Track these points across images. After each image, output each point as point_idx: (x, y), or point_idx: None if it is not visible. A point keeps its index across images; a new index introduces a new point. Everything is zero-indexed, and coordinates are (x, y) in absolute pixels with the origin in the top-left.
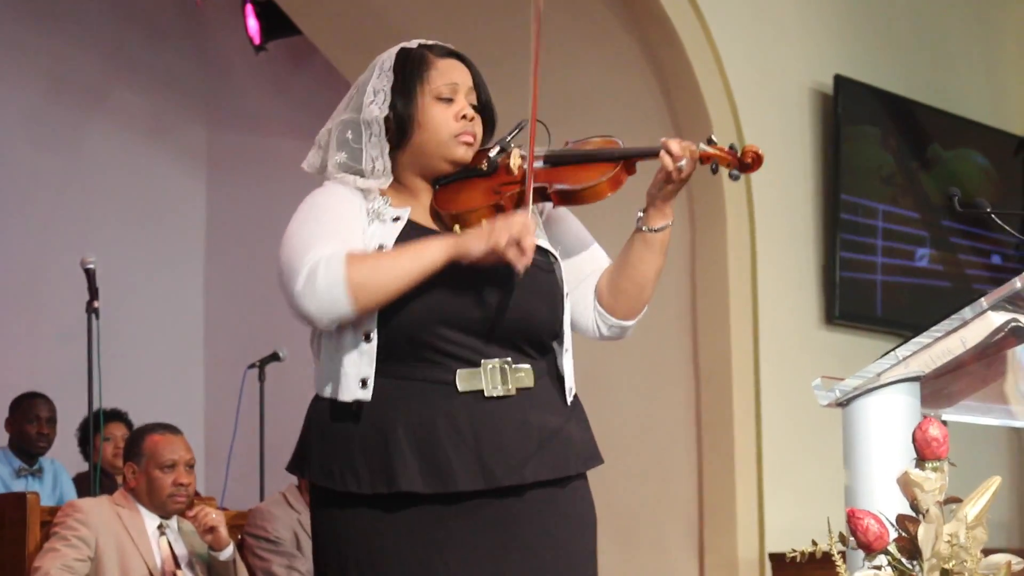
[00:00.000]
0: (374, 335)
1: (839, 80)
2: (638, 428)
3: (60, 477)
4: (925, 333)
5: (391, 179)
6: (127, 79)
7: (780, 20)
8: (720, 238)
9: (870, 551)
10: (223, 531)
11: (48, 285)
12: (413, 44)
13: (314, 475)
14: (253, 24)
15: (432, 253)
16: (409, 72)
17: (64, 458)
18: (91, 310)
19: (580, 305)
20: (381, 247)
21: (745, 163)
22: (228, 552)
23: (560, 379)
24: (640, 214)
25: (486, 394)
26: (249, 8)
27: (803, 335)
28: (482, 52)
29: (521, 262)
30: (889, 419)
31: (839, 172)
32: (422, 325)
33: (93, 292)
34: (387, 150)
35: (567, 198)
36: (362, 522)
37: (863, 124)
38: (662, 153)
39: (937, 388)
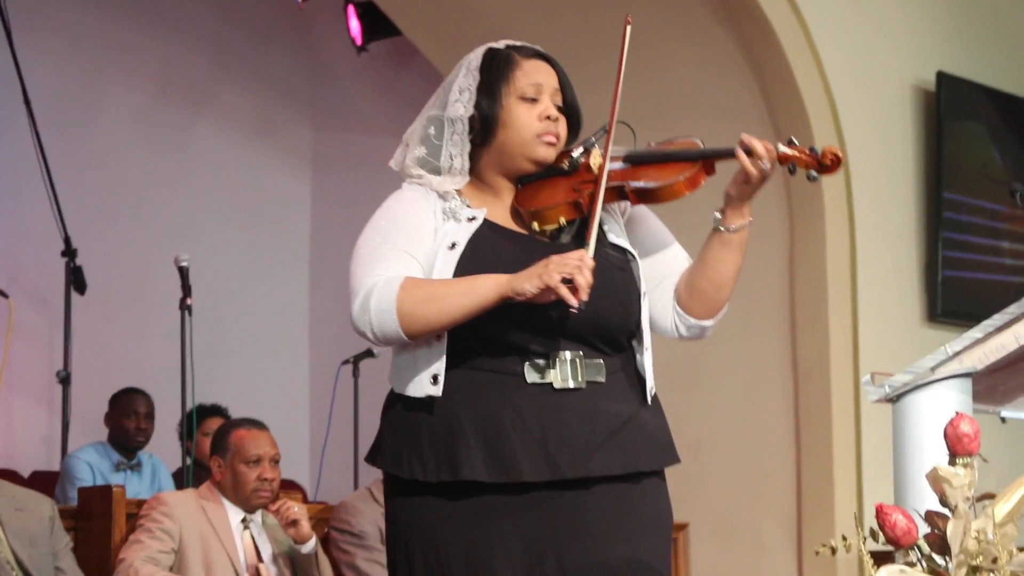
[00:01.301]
0: (444, 333)
1: (942, 77)
2: (736, 425)
3: (158, 471)
4: (977, 327)
5: (467, 178)
6: (233, 81)
7: (880, 16)
8: (819, 236)
9: (898, 547)
10: (305, 524)
11: (155, 283)
12: (500, 45)
13: (385, 463)
14: (355, 25)
15: (484, 291)
16: (495, 72)
17: (166, 453)
18: (184, 307)
19: (659, 305)
20: (454, 245)
21: (824, 164)
22: (310, 545)
23: (637, 377)
24: (717, 214)
25: (556, 386)
26: (351, 9)
27: (904, 333)
28: (577, 50)
29: (573, 299)
30: (939, 415)
31: (942, 170)
32: (493, 318)
33: (186, 290)
34: (467, 149)
35: (644, 196)
36: (427, 510)
37: (967, 121)
38: (740, 153)
39: (992, 384)
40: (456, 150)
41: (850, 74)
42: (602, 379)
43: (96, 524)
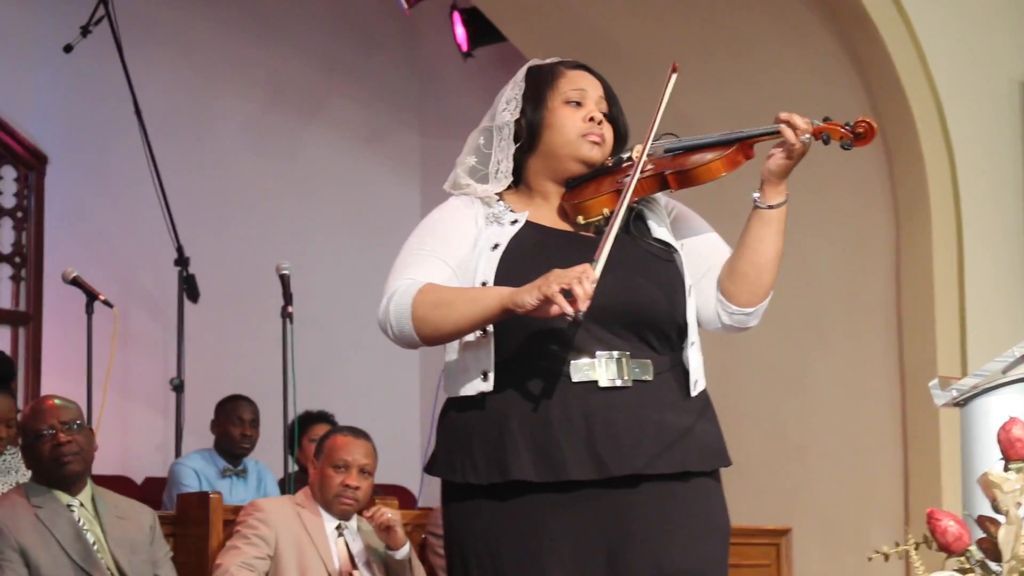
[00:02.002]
0: (490, 328)
1: None
2: (843, 429)
3: (264, 478)
4: None
5: (510, 179)
6: (342, 89)
7: (985, 12)
8: (926, 237)
9: (950, 553)
10: (399, 530)
11: (266, 291)
12: (547, 61)
13: (439, 470)
14: (460, 31)
15: (488, 302)
16: (540, 80)
17: (274, 459)
18: (286, 315)
19: (703, 296)
20: (496, 246)
21: (858, 133)
22: (404, 551)
23: (685, 376)
24: (756, 194)
25: (600, 384)
26: (456, 16)
27: (1013, 335)
28: (680, 54)
29: (570, 308)
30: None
31: None
32: (539, 322)
33: (288, 297)
34: (511, 151)
35: (682, 179)
36: (480, 513)
37: None
38: (784, 128)
39: None
40: (502, 155)
41: (955, 72)
42: (649, 377)
43: (194, 530)
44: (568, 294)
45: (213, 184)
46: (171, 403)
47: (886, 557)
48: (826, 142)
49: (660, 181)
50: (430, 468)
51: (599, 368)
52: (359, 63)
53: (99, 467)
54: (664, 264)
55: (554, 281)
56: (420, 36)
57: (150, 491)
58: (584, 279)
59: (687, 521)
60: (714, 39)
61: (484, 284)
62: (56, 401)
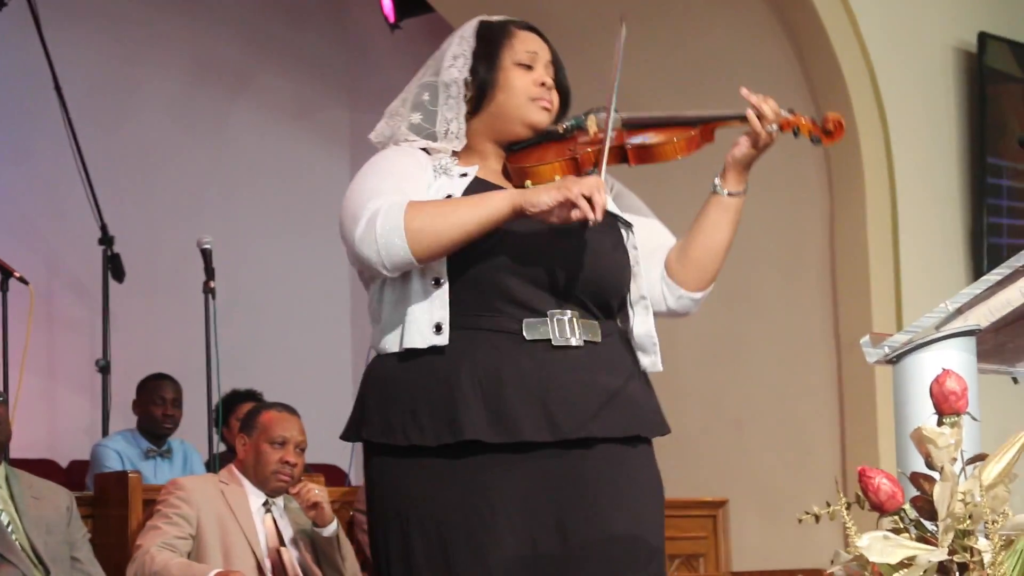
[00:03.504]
0: (444, 280)
1: (984, 37)
2: (779, 398)
3: (191, 457)
4: (977, 283)
5: (464, 142)
6: (269, 62)
7: None
8: (860, 204)
9: (883, 512)
10: (327, 507)
11: (193, 269)
12: (496, 18)
13: (373, 432)
14: (388, 3)
15: (495, 202)
16: (491, 39)
17: (202, 439)
18: (207, 290)
19: (648, 277)
20: (449, 197)
21: (827, 130)
22: (331, 528)
23: (628, 345)
24: (717, 180)
25: (553, 343)
26: None
27: (949, 298)
28: (611, 21)
29: (592, 213)
30: None
31: (984, 134)
32: (491, 272)
33: (209, 272)
34: (463, 112)
35: (643, 154)
36: (424, 474)
37: (1010, 83)
38: (751, 115)
39: (1000, 343)
40: (452, 114)
41: (888, 36)
42: (597, 339)
43: (113, 511)
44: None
45: (138, 162)
46: (98, 385)
47: (816, 519)
48: (796, 135)
49: (620, 154)
50: (355, 432)
51: (552, 326)
52: (286, 37)
53: (25, 450)
54: (615, 236)
55: (573, 185)
56: (347, 9)
57: (76, 474)
58: (601, 189)
59: (633, 486)
60: (645, 5)
61: None
62: None
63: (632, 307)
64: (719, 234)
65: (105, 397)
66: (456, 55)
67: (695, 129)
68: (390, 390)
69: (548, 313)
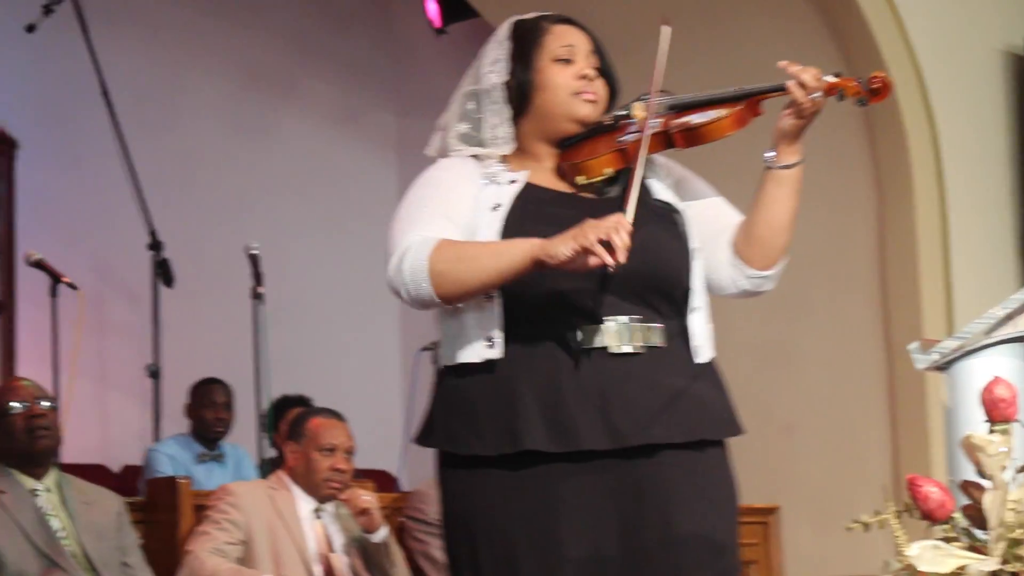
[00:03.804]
0: (496, 294)
1: None
2: (830, 403)
3: (243, 462)
4: None
5: (513, 146)
6: (316, 68)
7: None
8: (909, 209)
9: (933, 520)
10: (376, 513)
11: (241, 273)
12: (530, 15)
13: (438, 441)
14: (433, 7)
15: (516, 252)
16: (525, 38)
17: (253, 444)
18: (256, 295)
19: (715, 260)
20: (497, 206)
21: (872, 89)
22: (381, 534)
23: (688, 342)
24: (769, 154)
25: (611, 350)
26: None
27: (1000, 302)
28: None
29: (610, 259)
30: None
31: None
32: (545, 280)
33: (257, 277)
34: (508, 116)
35: (690, 136)
36: (488, 485)
37: None
38: (792, 85)
39: None
40: (497, 119)
41: (936, 40)
42: (659, 343)
43: (163, 516)
44: (606, 245)
45: (186, 167)
46: (149, 390)
47: (866, 527)
48: (840, 98)
49: (666, 139)
50: (424, 439)
51: (609, 333)
52: (332, 43)
53: (77, 455)
54: (669, 226)
55: (590, 231)
56: (393, 14)
57: (128, 479)
58: (621, 229)
59: (699, 488)
60: (689, 10)
61: None
62: (25, 382)
63: (693, 299)
64: (780, 208)
65: (156, 402)
66: (494, 60)
67: (741, 104)
68: (452, 401)
69: (604, 319)
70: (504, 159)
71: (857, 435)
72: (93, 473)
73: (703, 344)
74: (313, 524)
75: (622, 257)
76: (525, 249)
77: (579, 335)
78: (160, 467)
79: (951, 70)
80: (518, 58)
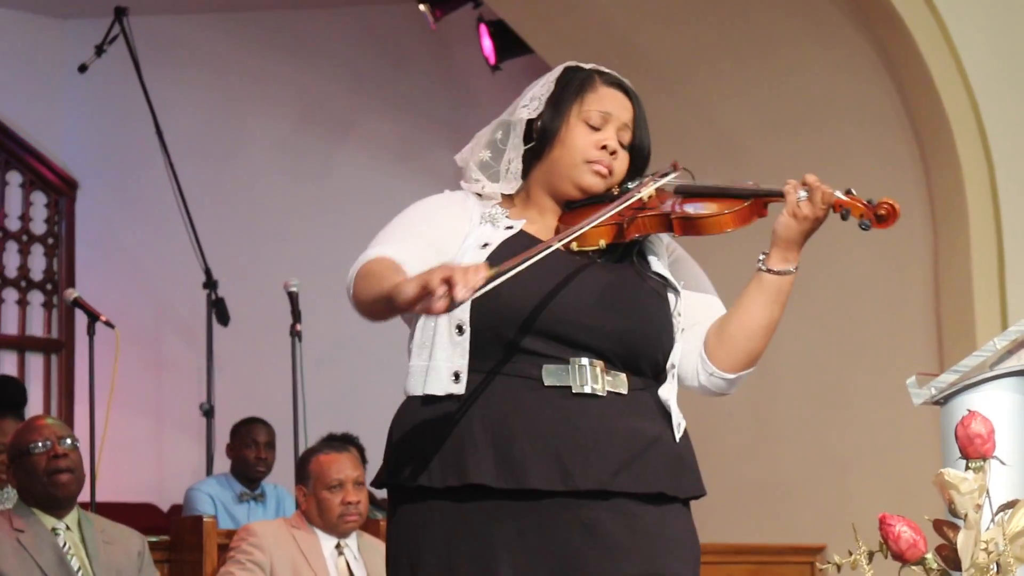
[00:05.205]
0: (467, 328)
1: None
2: (884, 443)
3: (284, 502)
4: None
5: (520, 182)
6: (373, 106)
7: (1019, 7)
8: (964, 242)
9: (904, 561)
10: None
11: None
12: (587, 66)
13: (387, 474)
14: (488, 44)
15: (387, 284)
16: (568, 88)
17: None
18: (294, 333)
19: (687, 347)
20: (486, 244)
21: (879, 215)
22: None
23: (660, 404)
24: (761, 256)
25: (574, 390)
26: (483, 28)
27: None
28: (708, 59)
29: (438, 304)
30: (992, 418)
31: None
32: (515, 321)
33: (296, 315)
34: (521, 151)
35: (688, 225)
36: (432, 518)
37: None
38: (787, 189)
39: None
40: (514, 153)
41: (990, 70)
42: (623, 391)
43: (188, 556)
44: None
45: (243, 205)
46: (203, 428)
47: (838, 568)
48: (844, 218)
49: (665, 223)
50: (377, 479)
51: (572, 373)
52: (389, 80)
53: (133, 494)
54: (658, 300)
55: (439, 272)
56: (449, 51)
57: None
58: (472, 273)
59: (651, 537)
60: (742, 42)
61: None
62: (48, 420)
63: (666, 373)
64: (756, 313)
65: (209, 441)
66: (534, 96)
67: (746, 203)
68: (407, 433)
69: (571, 360)
70: (507, 203)
71: (910, 473)
72: (142, 512)
73: (671, 402)
74: (336, 561)
75: (459, 295)
76: (391, 282)
77: (543, 372)
78: (200, 506)
79: (1005, 99)
80: (553, 104)
